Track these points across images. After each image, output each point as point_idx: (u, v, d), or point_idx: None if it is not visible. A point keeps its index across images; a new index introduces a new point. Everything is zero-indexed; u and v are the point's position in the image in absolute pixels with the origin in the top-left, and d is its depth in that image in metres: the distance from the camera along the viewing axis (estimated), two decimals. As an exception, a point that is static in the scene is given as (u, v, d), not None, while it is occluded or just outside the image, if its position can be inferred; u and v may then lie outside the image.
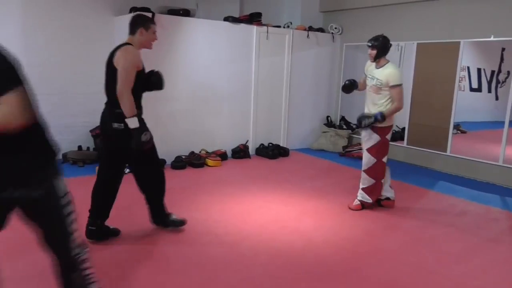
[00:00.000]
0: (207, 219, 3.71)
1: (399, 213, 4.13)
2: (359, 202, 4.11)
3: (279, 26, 6.61)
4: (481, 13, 5.40)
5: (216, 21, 5.83)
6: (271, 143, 6.49)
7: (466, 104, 7.90)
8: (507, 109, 5.27)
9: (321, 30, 7.12)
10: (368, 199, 4.05)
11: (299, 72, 6.84)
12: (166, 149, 5.46)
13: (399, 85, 3.79)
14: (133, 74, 2.95)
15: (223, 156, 5.85)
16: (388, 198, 4.21)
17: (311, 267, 2.94)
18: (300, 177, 5.31)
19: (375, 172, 3.99)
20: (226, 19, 5.95)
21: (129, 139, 2.95)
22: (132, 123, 2.92)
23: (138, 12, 3.16)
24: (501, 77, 8.59)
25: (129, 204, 3.83)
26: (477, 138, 7.30)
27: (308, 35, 6.81)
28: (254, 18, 6.18)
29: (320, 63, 7.13)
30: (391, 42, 3.92)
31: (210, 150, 5.87)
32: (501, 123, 5.32)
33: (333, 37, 7.16)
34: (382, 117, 3.82)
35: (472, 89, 8.49)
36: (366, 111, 4.02)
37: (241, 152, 6.09)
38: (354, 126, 7.24)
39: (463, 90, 8.14)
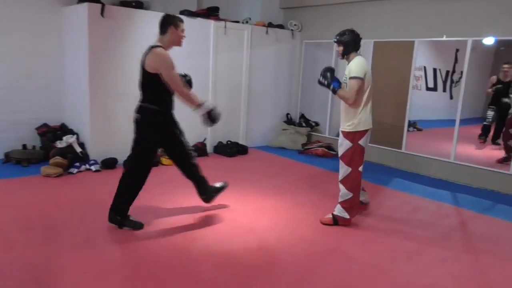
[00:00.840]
0: (158, 221, 3.55)
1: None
2: (331, 216, 3.66)
3: (237, 22, 6.49)
4: (435, 14, 5.51)
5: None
6: (229, 141, 6.38)
7: (423, 103, 8.11)
8: (458, 108, 5.41)
9: (280, 26, 7.06)
10: (346, 215, 3.59)
11: (259, 68, 6.76)
12: (118, 148, 5.23)
13: (356, 78, 3.40)
14: (176, 73, 3.28)
15: (179, 154, 5.67)
16: (360, 202, 3.93)
17: (264, 268, 2.86)
18: (258, 175, 5.23)
19: (351, 182, 3.55)
20: (182, 12, 5.76)
21: (147, 129, 3.31)
22: (204, 109, 3.32)
23: (166, 13, 3.40)
24: (455, 77, 8.92)
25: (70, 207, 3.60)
26: (432, 136, 7.51)
27: (267, 31, 6.73)
28: (211, 13, 6.03)
29: (280, 60, 7.07)
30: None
31: (165, 148, 5.67)
32: (455, 121, 5.46)
33: (292, 34, 7.12)
34: (334, 88, 3.47)
35: (428, 88, 8.75)
36: (343, 114, 3.62)
37: (198, 151, 5.92)
38: (313, 124, 7.25)
39: (420, 89, 8.37)
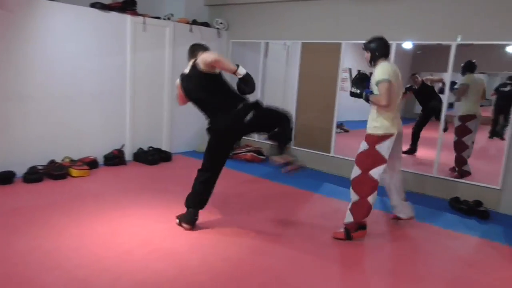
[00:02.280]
0: (57, 248, 3.00)
1: (284, 221, 3.88)
2: (342, 230, 3.50)
3: (158, 18, 5.99)
4: (360, 16, 5.48)
5: (80, 7, 4.99)
6: (151, 147, 5.86)
7: (348, 104, 8.22)
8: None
9: (206, 24, 6.68)
10: (350, 219, 3.48)
11: (183, 69, 6.28)
12: (17, 158, 4.54)
13: (381, 81, 3.33)
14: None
15: (92, 164, 5.05)
16: (398, 217, 3.90)
17: (182, 302, 2.48)
18: (182, 185, 4.74)
19: (359, 185, 3.47)
20: (93, 5, 5.14)
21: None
22: (242, 71, 3.28)
23: (194, 43, 3.66)
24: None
25: None
26: (358, 137, 7.56)
27: (191, 29, 6.31)
28: (127, 6, 5.47)
29: (206, 60, 6.68)
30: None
31: (76, 158, 5.03)
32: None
33: (218, 32, 6.77)
34: (366, 95, 3.44)
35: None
36: (369, 117, 3.57)
37: (115, 159, 5.36)
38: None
39: (346, 91, 8.52)
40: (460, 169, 5.16)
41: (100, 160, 5.33)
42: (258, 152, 6.28)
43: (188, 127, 6.59)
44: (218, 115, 3.37)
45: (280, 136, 3.46)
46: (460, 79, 5.40)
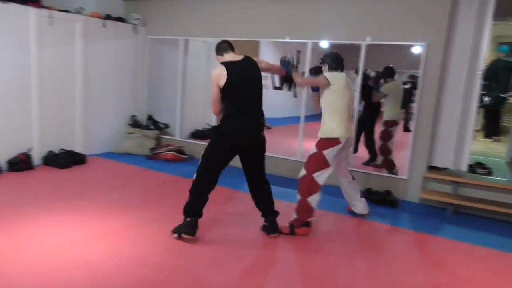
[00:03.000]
0: None
1: (204, 221, 3.81)
2: (288, 225, 3.65)
3: (67, 11, 5.59)
4: (278, 15, 5.59)
5: (-27, -4, 4.50)
6: (63, 149, 5.46)
7: (271, 102, 8.39)
8: (301, 109, 5.62)
9: (121, 19, 6.38)
10: (294, 215, 3.68)
11: (97, 66, 5.97)
12: None
13: (322, 75, 3.69)
14: None
15: (-8, 170, 4.59)
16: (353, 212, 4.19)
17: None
18: (97, 189, 4.55)
19: (301, 185, 3.67)
20: (-11, -5, 4.67)
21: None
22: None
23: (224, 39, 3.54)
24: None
25: None
26: (280, 133, 7.79)
27: (104, 24, 5.98)
28: (30, -2, 5.03)
29: (122, 57, 6.39)
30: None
31: (-27, 164, 4.53)
32: (299, 118, 5.65)
33: (135, 28, 6.50)
34: (291, 67, 3.81)
35: (275, 88, 9.14)
36: None
37: (21, 163, 4.91)
38: (162, 126, 6.77)
39: (268, 89, 8.68)
40: (391, 171, 5.28)
41: (4, 165, 4.86)
42: (180, 151, 6.15)
43: (104, 127, 6.26)
44: (244, 117, 3.33)
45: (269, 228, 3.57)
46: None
